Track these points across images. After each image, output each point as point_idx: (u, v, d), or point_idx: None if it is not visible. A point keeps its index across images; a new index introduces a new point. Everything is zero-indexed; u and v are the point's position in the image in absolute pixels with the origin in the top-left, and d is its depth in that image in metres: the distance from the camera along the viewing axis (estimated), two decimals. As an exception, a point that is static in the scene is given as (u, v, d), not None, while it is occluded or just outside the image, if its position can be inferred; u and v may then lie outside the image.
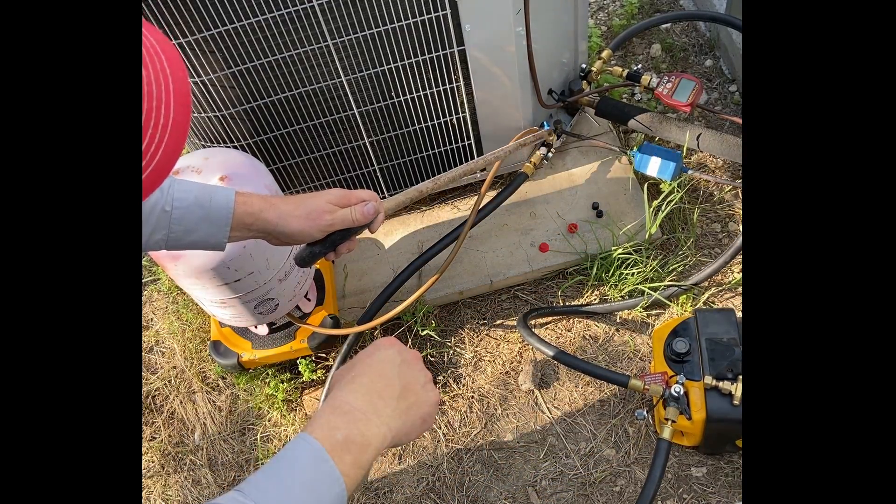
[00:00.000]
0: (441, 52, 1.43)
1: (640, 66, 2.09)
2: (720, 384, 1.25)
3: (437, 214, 1.84)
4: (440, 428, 1.61)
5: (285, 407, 1.70)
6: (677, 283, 1.61)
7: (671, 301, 1.62)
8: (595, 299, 1.70)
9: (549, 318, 1.70)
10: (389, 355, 0.74)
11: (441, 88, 1.51)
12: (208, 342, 1.70)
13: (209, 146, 1.54)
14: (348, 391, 0.70)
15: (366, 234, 1.05)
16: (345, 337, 1.59)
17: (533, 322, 1.69)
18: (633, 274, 1.64)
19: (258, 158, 1.45)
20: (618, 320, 1.67)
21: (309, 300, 1.63)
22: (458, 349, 1.70)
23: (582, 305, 1.69)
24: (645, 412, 1.37)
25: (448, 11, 1.35)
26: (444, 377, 1.67)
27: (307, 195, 0.98)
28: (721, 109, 1.96)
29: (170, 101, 0.59)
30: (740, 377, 1.25)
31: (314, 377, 1.65)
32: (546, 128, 1.73)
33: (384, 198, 1.09)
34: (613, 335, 1.66)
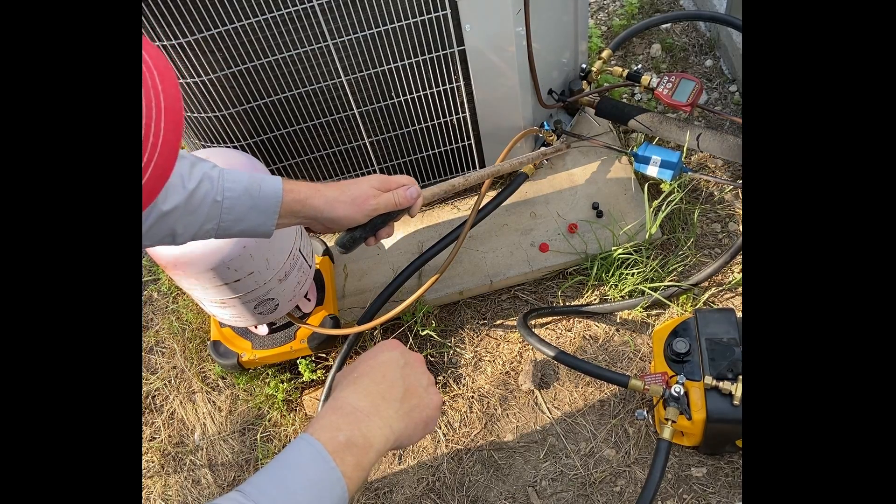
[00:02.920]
0: (441, 52, 1.43)
1: (640, 66, 2.10)
2: (720, 384, 1.25)
3: (437, 214, 1.84)
4: (440, 428, 1.61)
5: (285, 407, 1.70)
6: (677, 283, 1.61)
7: (671, 301, 1.62)
8: (595, 299, 1.70)
9: (549, 318, 1.70)
10: (392, 357, 0.74)
11: (441, 88, 1.51)
12: (208, 342, 1.70)
13: (209, 146, 1.53)
14: (351, 392, 0.70)
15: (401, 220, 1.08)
16: (345, 337, 1.59)
17: (533, 322, 1.69)
18: (633, 274, 1.64)
19: (258, 158, 1.45)
20: (618, 320, 1.67)
21: (309, 300, 1.63)
22: (458, 349, 1.70)
23: (582, 305, 1.69)
24: (645, 412, 1.37)
25: (448, 11, 1.35)
26: (444, 377, 1.67)
27: (350, 181, 1.01)
28: (721, 109, 1.96)
29: (160, 120, 0.59)
30: (740, 377, 1.25)
31: (314, 377, 1.65)
32: (555, 136, 1.73)
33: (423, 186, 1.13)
34: (613, 335, 1.66)
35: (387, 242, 1.82)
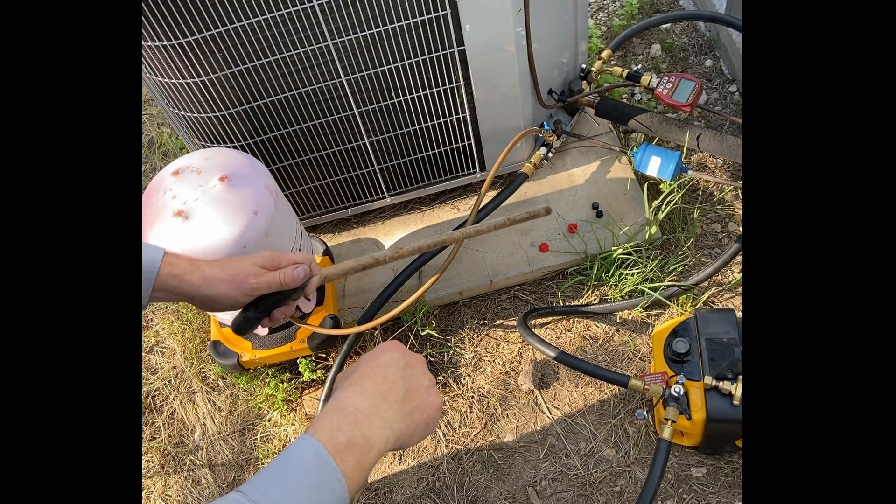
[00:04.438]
0: (441, 52, 1.43)
1: (640, 66, 2.10)
2: (720, 384, 1.25)
3: (437, 214, 1.84)
4: (440, 428, 1.61)
5: (285, 407, 1.70)
6: (677, 283, 1.61)
7: (671, 301, 1.62)
8: (595, 299, 1.70)
9: (549, 318, 1.70)
10: (393, 358, 0.74)
11: (441, 88, 1.51)
12: (208, 342, 1.70)
13: (209, 146, 1.53)
14: (352, 392, 0.70)
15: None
16: (345, 337, 1.59)
17: (533, 322, 1.69)
18: (633, 274, 1.64)
19: (258, 158, 1.45)
20: (618, 320, 1.67)
21: (309, 300, 1.63)
22: (458, 349, 1.70)
23: (582, 305, 1.69)
24: (645, 412, 1.37)
25: (448, 11, 1.35)
26: (444, 377, 1.67)
27: (235, 258, 0.94)
28: (721, 109, 1.96)
29: None
30: (740, 377, 1.26)
31: (314, 377, 1.65)
32: (555, 136, 1.73)
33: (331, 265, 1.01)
34: (613, 335, 1.66)
35: (387, 243, 1.82)
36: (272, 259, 0.94)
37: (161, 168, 1.40)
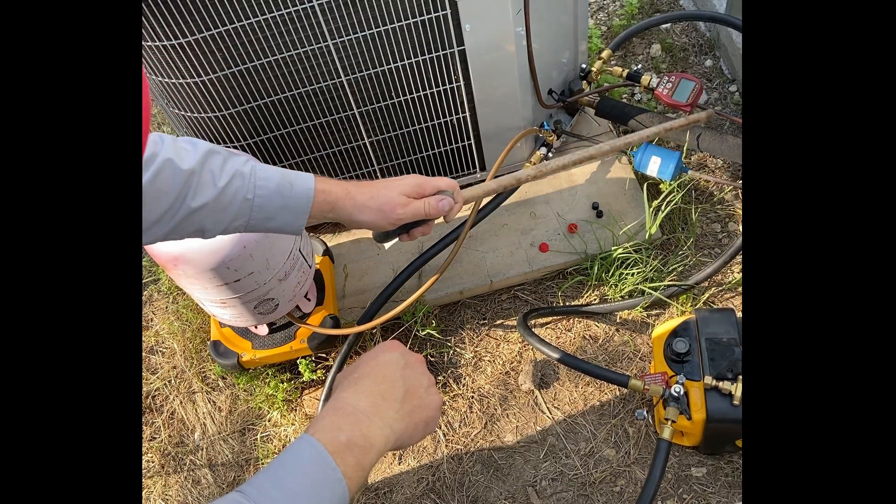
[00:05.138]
0: (441, 52, 1.43)
1: (640, 66, 2.10)
2: (720, 384, 1.25)
3: (437, 214, 1.84)
4: (440, 428, 1.61)
5: (285, 407, 1.70)
6: (677, 283, 1.61)
7: (671, 301, 1.62)
8: (595, 299, 1.70)
9: (549, 318, 1.70)
10: (393, 358, 0.74)
11: (441, 88, 1.51)
12: (208, 342, 1.70)
13: (209, 146, 1.53)
14: (351, 392, 0.70)
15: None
16: (345, 337, 1.59)
17: (533, 322, 1.69)
18: (633, 274, 1.64)
19: (258, 158, 1.45)
20: (618, 320, 1.67)
21: (309, 300, 1.63)
22: (458, 349, 1.70)
23: (582, 305, 1.69)
24: (645, 412, 1.37)
25: (448, 11, 1.35)
26: (444, 377, 1.67)
27: (383, 183, 0.98)
28: (721, 109, 1.96)
29: None
30: (740, 377, 1.26)
31: (314, 377, 1.65)
32: (555, 136, 1.73)
33: (464, 187, 1.07)
34: (613, 335, 1.66)
35: (386, 242, 1.82)
36: (418, 186, 0.98)
37: (161, 168, 1.40)
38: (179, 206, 0.89)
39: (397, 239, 1.04)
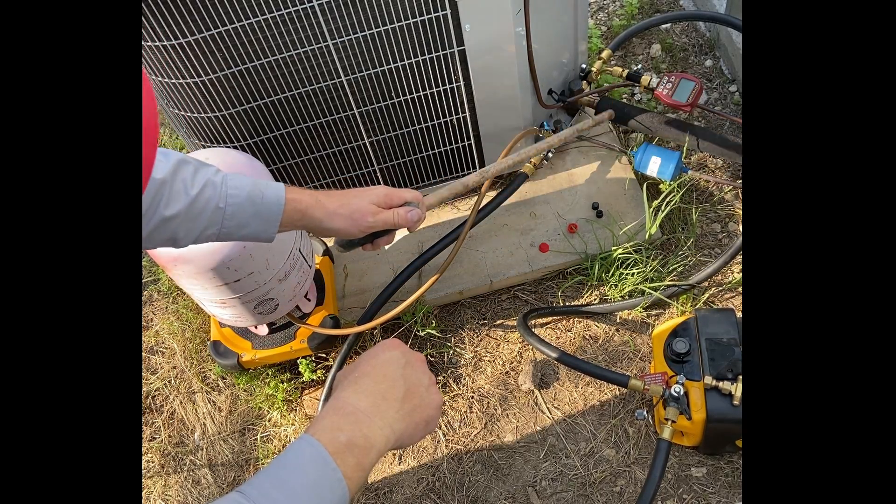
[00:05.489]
0: (441, 52, 1.43)
1: (640, 66, 2.10)
2: (720, 384, 1.25)
3: (437, 214, 1.84)
4: (440, 428, 1.61)
5: (285, 407, 1.70)
6: (677, 283, 1.61)
7: (671, 301, 1.62)
8: (595, 299, 1.70)
9: (549, 318, 1.70)
10: (394, 357, 0.74)
11: (441, 88, 1.51)
12: (208, 342, 1.70)
13: (209, 146, 1.53)
14: (351, 392, 0.69)
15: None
16: (345, 337, 1.59)
17: (533, 322, 1.69)
18: (633, 274, 1.64)
19: (258, 158, 1.45)
20: (618, 320, 1.67)
21: (309, 300, 1.63)
22: (458, 349, 1.70)
23: (582, 305, 1.69)
24: (645, 412, 1.37)
25: (448, 11, 1.35)
26: (444, 377, 1.67)
27: (352, 193, 1.01)
28: (721, 109, 1.96)
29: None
30: (740, 377, 1.26)
31: (314, 377, 1.65)
32: (546, 128, 1.73)
33: (426, 195, 1.12)
34: (613, 335, 1.66)
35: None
36: (386, 197, 1.02)
37: (161, 168, 1.40)
38: (152, 214, 0.91)
39: (360, 248, 1.08)
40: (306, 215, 0.99)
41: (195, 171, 0.94)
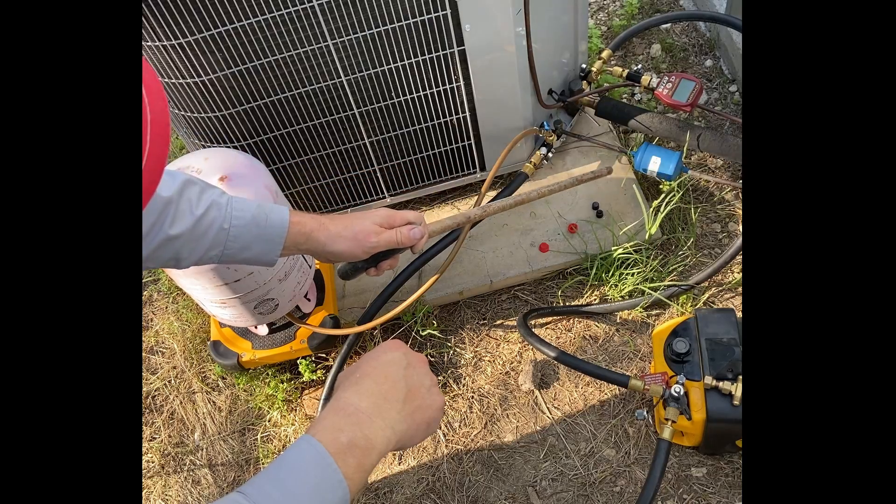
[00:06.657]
0: (441, 52, 1.43)
1: (640, 66, 2.09)
2: (720, 384, 1.25)
3: (437, 214, 1.84)
4: (440, 428, 1.61)
5: (285, 407, 1.70)
6: (677, 283, 1.61)
7: (671, 301, 1.62)
8: (595, 299, 1.70)
9: (549, 318, 1.70)
10: (395, 358, 0.74)
11: (441, 88, 1.51)
12: (208, 342, 1.70)
13: (209, 146, 1.53)
14: (353, 393, 0.69)
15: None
16: (345, 337, 1.59)
17: (533, 322, 1.69)
18: (633, 274, 1.64)
19: (258, 158, 1.45)
20: (618, 320, 1.67)
21: (309, 300, 1.63)
22: (458, 349, 1.70)
23: (582, 305, 1.69)
24: (645, 412, 1.37)
25: (448, 11, 1.35)
26: (444, 377, 1.67)
27: (355, 216, 1.02)
28: (721, 109, 1.96)
29: (146, 132, 0.58)
30: (740, 377, 1.26)
31: (314, 377, 1.65)
32: (555, 136, 1.73)
33: (430, 220, 1.14)
34: (613, 335, 1.66)
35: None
36: (388, 217, 1.03)
37: (161, 168, 1.40)
38: (157, 232, 0.91)
39: (364, 274, 1.08)
40: (310, 238, 0.99)
41: (201, 191, 0.95)
